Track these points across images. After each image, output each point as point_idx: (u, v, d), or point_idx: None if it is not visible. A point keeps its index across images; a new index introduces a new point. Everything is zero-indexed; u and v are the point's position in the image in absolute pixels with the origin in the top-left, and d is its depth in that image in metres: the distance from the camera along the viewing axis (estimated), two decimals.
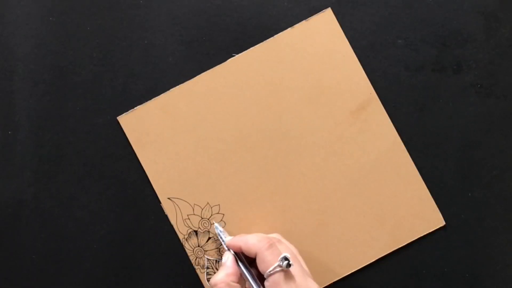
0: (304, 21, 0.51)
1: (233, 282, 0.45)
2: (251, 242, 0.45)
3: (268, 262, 0.43)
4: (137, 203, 0.52)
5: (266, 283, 0.43)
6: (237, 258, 0.46)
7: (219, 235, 0.49)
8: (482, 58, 0.52)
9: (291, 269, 0.43)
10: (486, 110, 0.52)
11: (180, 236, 0.51)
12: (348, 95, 0.51)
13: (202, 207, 0.51)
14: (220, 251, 0.51)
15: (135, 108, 0.51)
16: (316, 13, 0.51)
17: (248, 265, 0.46)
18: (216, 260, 0.51)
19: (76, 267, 0.52)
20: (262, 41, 0.51)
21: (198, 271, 0.51)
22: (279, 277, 0.43)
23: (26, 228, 0.52)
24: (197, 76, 0.51)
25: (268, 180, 0.51)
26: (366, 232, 0.50)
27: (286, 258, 0.42)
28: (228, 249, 0.47)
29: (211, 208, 0.51)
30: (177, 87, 0.51)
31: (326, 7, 0.52)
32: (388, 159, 0.51)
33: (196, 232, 0.51)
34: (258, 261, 0.44)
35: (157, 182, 0.51)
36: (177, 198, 0.51)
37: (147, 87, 0.52)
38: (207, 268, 0.51)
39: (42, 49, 0.52)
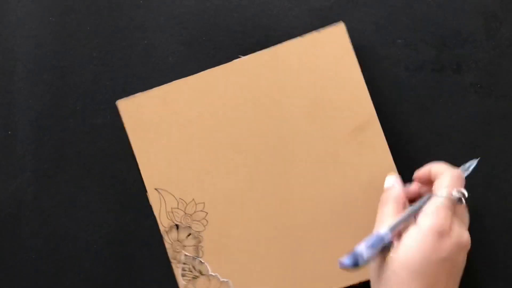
0: (315, 32, 0.50)
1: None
2: (454, 175, 0.43)
3: (447, 187, 0.41)
4: (137, 203, 0.52)
5: (428, 204, 0.41)
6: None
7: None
8: (482, 58, 0.52)
9: (459, 209, 0.42)
10: (485, 110, 0.52)
11: (161, 228, 0.51)
12: (348, 114, 0.50)
13: (187, 203, 0.51)
14: (198, 249, 0.51)
15: (135, 94, 0.51)
16: (316, 13, 0.52)
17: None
18: (193, 257, 0.51)
19: (76, 267, 0.52)
20: (262, 41, 0.51)
21: (173, 266, 0.51)
22: (446, 205, 0.41)
23: (26, 228, 0.52)
24: (201, 72, 0.50)
25: (256, 186, 0.50)
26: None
27: (463, 194, 0.41)
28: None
29: (196, 205, 0.50)
30: (180, 80, 0.50)
31: (326, 7, 0.52)
32: (380, 185, 0.50)
33: (177, 226, 0.51)
34: (436, 184, 0.42)
35: (146, 171, 0.51)
36: (164, 190, 0.51)
37: (147, 87, 0.52)
38: (184, 264, 0.51)
39: (42, 49, 0.52)
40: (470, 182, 0.52)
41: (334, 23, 0.50)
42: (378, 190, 0.49)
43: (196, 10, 0.52)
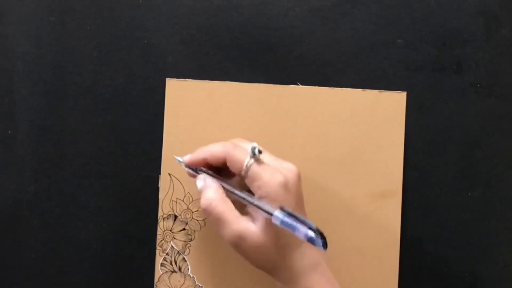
0: (377, 90, 0.51)
1: (224, 196, 0.44)
2: (216, 149, 0.45)
3: (240, 158, 0.43)
4: (137, 203, 0.52)
5: (246, 181, 0.43)
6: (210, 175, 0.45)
7: (181, 162, 0.47)
8: (482, 58, 0.52)
9: (262, 156, 0.43)
10: (486, 110, 0.52)
11: (160, 213, 0.51)
12: (377, 177, 0.51)
13: (194, 199, 0.51)
14: (186, 246, 0.51)
15: (187, 79, 0.51)
16: (316, 13, 0.52)
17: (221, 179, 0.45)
18: (178, 252, 0.51)
19: (76, 266, 0.52)
20: (262, 40, 0.51)
21: (157, 253, 0.51)
22: (255, 167, 0.42)
23: (26, 228, 0.52)
24: (256, 84, 0.51)
25: None
26: None
27: (254, 148, 0.42)
28: (195, 171, 0.46)
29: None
30: (233, 82, 0.51)
31: (326, 7, 0.52)
32: (377, 253, 0.50)
33: (175, 217, 0.51)
34: (229, 164, 0.44)
35: (167, 154, 0.51)
36: (176, 178, 0.51)
37: (146, 87, 0.52)
38: (167, 255, 0.51)
39: (42, 49, 0.52)
40: (469, 182, 0.52)
41: (398, 91, 0.51)
42: (375, 257, 0.50)
43: (196, 10, 0.52)
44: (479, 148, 0.52)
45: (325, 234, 0.37)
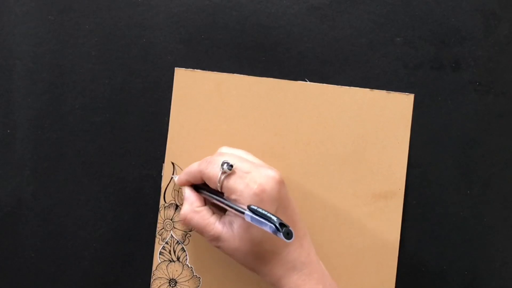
0: (384, 91, 0.51)
1: (198, 207, 0.46)
2: (192, 169, 0.47)
3: (214, 175, 0.44)
4: (136, 202, 0.52)
5: (224, 195, 0.44)
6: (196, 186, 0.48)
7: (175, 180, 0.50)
8: (481, 56, 0.52)
9: (237, 166, 0.43)
10: (484, 107, 0.52)
11: (161, 202, 0.51)
12: (380, 177, 0.51)
13: None
14: (186, 236, 0.51)
15: (195, 69, 0.51)
16: (315, 11, 0.52)
17: (207, 188, 0.47)
18: (178, 241, 0.51)
19: (75, 265, 0.52)
20: (260, 39, 0.51)
21: (156, 241, 0.51)
22: (228, 181, 0.43)
23: (25, 227, 0.52)
24: (264, 78, 0.51)
25: None
26: None
27: (224, 163, 0.43)
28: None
29: None
30: (244, 76, 0.51)
31: (325, 5, 0.52)
32: (377, 253, 0.50)
33: (177, 206, 0.51)
34: (206, 182, 0.45)
35: (171, 143, 0.51)
36: (180, 168, 0.51)
37: (145, 86, 0.52)
38: (166, 243, 0.51)
39: (41, 48, 0.52)
40: (468, 179, 0.52)
41: (406, 93, 0.51)
42: (374, 256, 0.50)
43: (194, 8, 0.52)
44: (478, 146, 0.52)
45: (291, 227, 0.39)
